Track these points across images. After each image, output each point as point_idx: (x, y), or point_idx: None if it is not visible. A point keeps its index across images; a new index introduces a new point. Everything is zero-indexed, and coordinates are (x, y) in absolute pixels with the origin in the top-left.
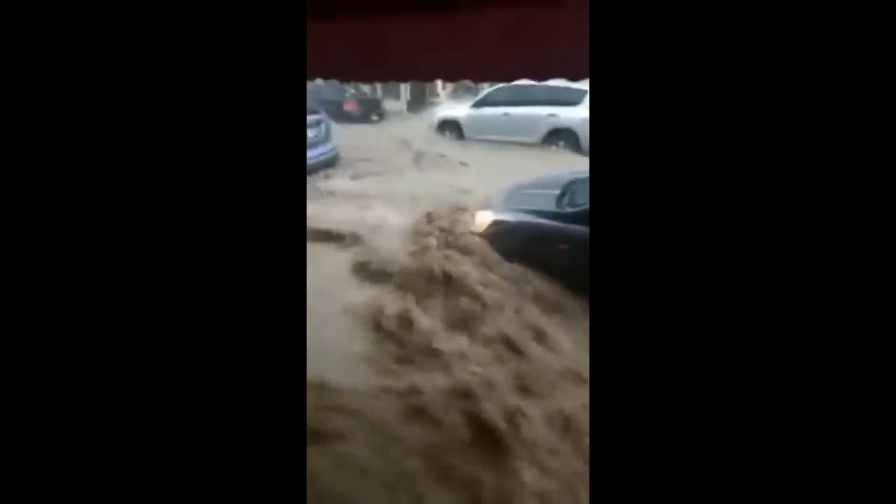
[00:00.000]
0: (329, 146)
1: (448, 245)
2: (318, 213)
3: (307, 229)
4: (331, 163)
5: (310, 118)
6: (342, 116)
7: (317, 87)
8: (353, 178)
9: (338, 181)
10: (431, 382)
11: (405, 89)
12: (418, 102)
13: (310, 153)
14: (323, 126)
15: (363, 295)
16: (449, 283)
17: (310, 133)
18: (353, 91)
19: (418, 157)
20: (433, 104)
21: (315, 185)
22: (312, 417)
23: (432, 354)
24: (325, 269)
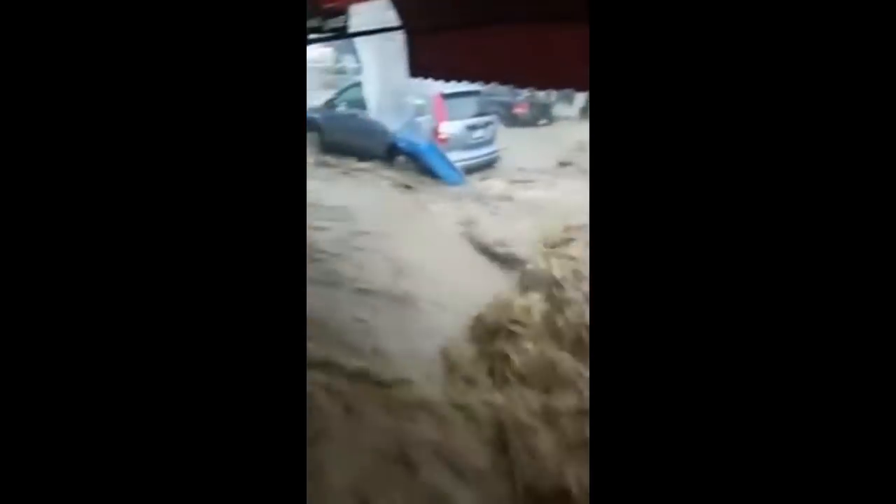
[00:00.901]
0: (492, 148)
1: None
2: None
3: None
4: (490, 164)
5: (480, 119)
6: (511, 119)
7: (492, 88)
8: (509, 182)
9: (493, 182)
10: None
11: (580, 95)
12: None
13: (473, 153)
14: (490, 128)
15: None
16: None
17: (477, 133)
18: (526, 94)
19: (575, 165)
20: None
21: (471, 185)
22: None
23: None
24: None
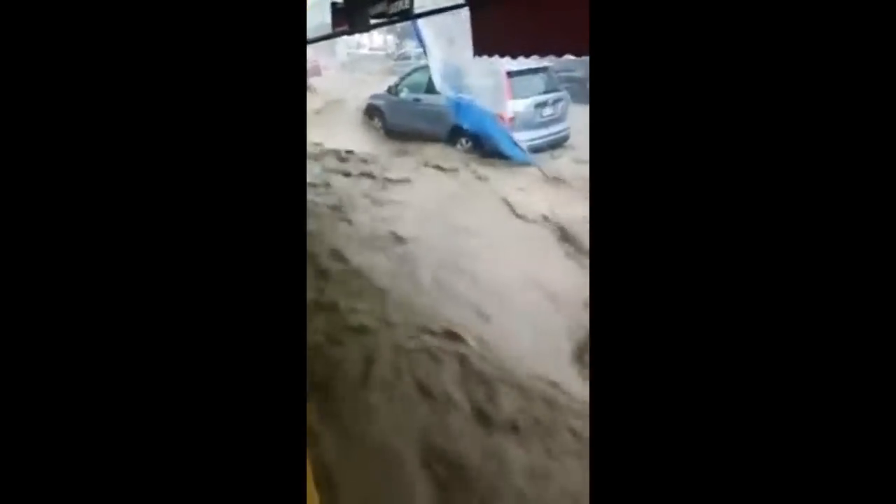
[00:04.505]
0: (562, 125)
1: None
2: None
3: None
4: (560, 142)
5: (549, 96)
6: (586, 96)
7: (565, 63)
8: (577, 161)
9: (562, 162)
10: None
11: None
12: None
13: (543, 132)
14: (560, 105)
15: None
16: None
17: (547, 111)
18: None
19: None
20: None
21: (541, 165)
22: None
23: None
24: None
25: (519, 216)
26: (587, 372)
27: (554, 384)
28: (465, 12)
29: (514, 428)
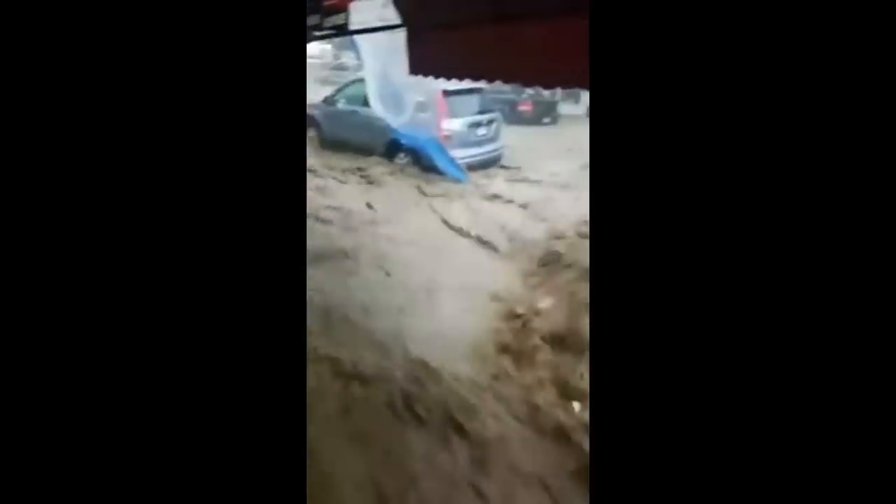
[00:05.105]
0: (495, 145)
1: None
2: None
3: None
4: (494, 161)
5: (483, 116)
6: (515, 117)
7: (496, 86)
8: (511, 180)
9: (497, 181)
10: None
11: (587, 94)
12: None
13: (476, 150)
14: (493, 125)
15: None
16: None
17: (481, 131)
18: (530, 92)
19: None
20: None
21: (476, 182)
22: None
23: None
24: None
25: (453, 229)
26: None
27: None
28: (403, 30)
29: None
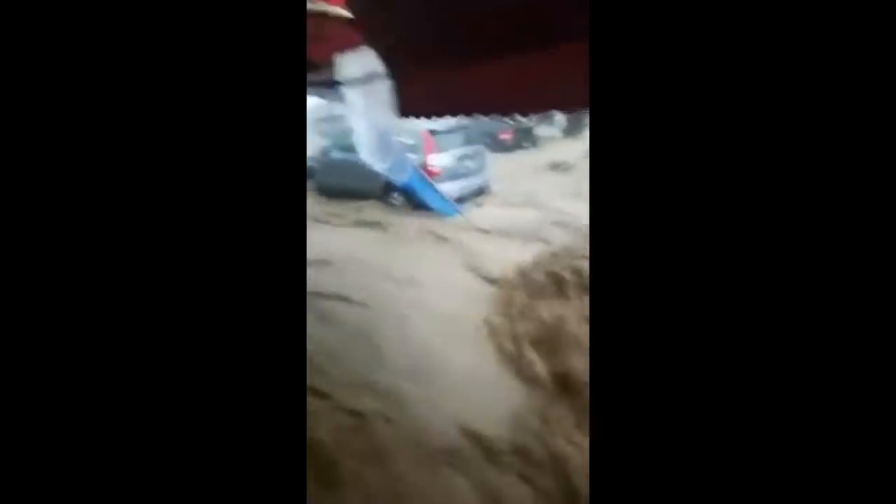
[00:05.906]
0: (482, 176)
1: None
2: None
3: None
4: (482, 191)
5: (469, 149)
6: (498, 146)
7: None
8: (499, 206)
9: (487, 210)
10: None
11: (560, 115)
12: (574, 126)
13: (464, 183)
14: (479, 157)
15: None
16: None
17: (467, 163)
18: (509, 122)
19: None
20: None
21: (468, 213)
22: None
23: None
24: None
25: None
26: None
27: None
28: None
29: None
